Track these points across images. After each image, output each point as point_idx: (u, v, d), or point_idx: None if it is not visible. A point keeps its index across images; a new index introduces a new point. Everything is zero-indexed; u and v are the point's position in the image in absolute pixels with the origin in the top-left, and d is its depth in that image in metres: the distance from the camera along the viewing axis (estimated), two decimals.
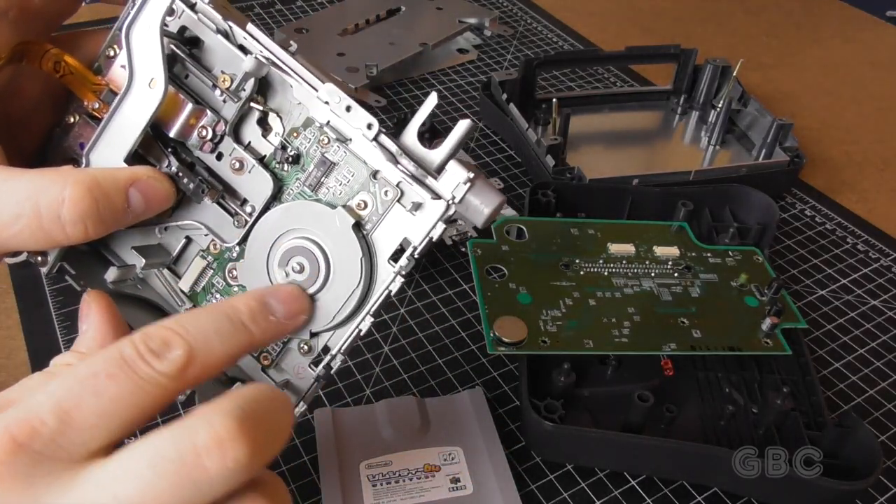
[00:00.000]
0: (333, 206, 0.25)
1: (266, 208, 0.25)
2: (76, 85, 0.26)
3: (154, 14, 0.24)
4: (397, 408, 0.39)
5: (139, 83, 0.24)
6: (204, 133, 0.25)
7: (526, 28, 0.79)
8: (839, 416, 0.38)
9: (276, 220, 0.25)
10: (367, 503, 0.35)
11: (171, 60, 0.25)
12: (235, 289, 0.27)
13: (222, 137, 0.25)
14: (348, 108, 0.24)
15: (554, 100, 0.57)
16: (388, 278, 0.25)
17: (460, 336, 0.45)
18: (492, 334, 0.38)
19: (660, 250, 0.46)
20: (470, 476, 0.37)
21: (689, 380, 0.41)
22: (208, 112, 0.25)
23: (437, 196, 0.24)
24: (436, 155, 0.24)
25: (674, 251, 0.46)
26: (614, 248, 0.46)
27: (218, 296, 0.27)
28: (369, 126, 0.24)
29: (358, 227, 0.24)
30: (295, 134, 0.25)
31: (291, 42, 0.26)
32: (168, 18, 0.25)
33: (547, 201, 0.49)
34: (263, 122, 0.26)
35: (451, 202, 0.23)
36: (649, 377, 0.41)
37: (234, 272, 0.27)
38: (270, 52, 0.25)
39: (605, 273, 0.44)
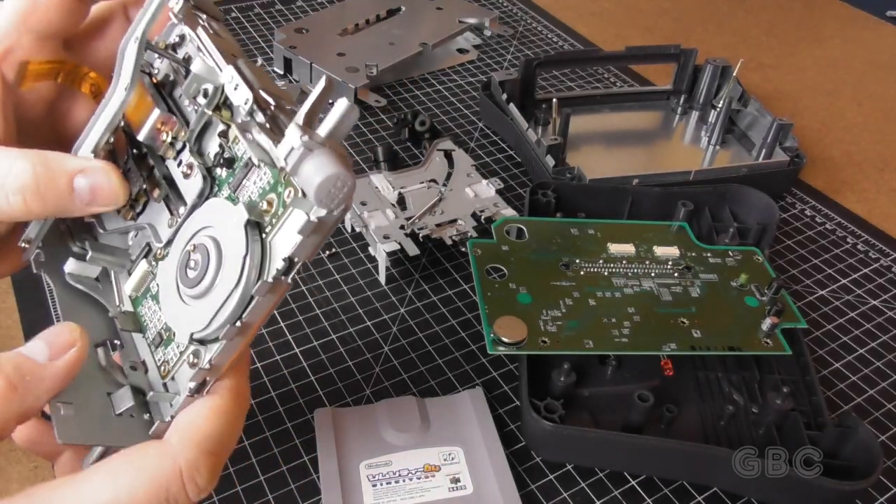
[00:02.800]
0: (236, 202, 0.24)
1: (193, 209, 0.26)
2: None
3: (139, 27, 0.25)
4: (397, 408, 0.39)
5: (120, 87, 0.26)
6: (164, 137, 0.26)
7: (526, 28, 0.79)
8: (839, 416, 0.38)
9: (194, 219, 0.25)
10: (367, 503, 0.35)
11: (170, 84, 0.27)
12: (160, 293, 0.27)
13: (184, 145, 0.26)
14: (236, 87, 0.24)
15: (554, 100, 0.57)
16: (264, 286, 0.22)
17: (460, 336, 0.45)
18: (492, 334, 0.38)
19: (660, 250, 0.46)
20: (470, 476, 0.37)
21: (689, 380, 0.41)
22: (175, 120, 0.26)
23: (271, 163, 0.22)
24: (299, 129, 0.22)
25: (674, 251, 0.46)
26: (614, 248, 0.46)
27: (150, 301, 0.27)
28: (245, 101, 0.23)
29: (256, 226, 0.23)
30: (237, 140, 0.25)
31: (260, 60, 0.26)
32: (178, 49, 0.27)
33: (547, 201, 0.49)
34: (224, 134, 0.26)
35: (283, 166, 0.21)
36: (649, 377, 0.41)
37: (156, 272, 0.27)
38: (200, 41, 0.25)
39: (605, 273, 0.44)
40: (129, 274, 0.28)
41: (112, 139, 0.27)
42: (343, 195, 0.21)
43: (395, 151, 0.58)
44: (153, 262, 0.27)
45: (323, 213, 0.21)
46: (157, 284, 0.26)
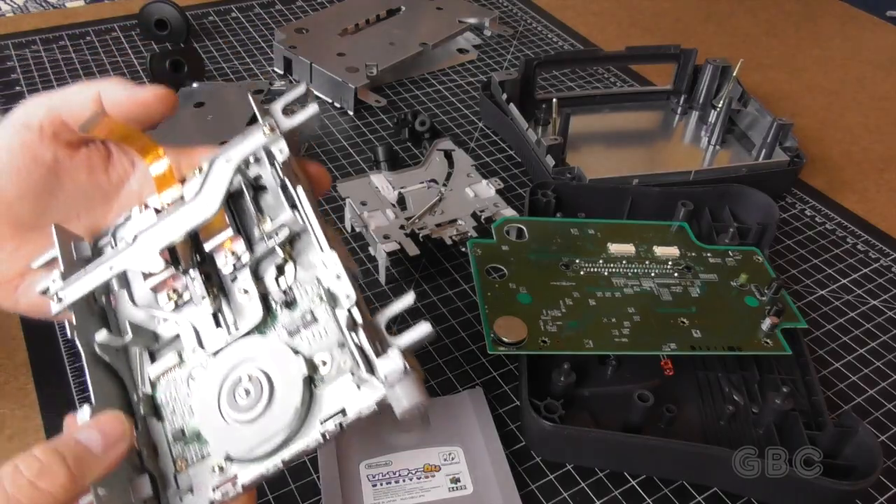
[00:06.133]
0: (297, 353, 0.27)
1: (247, 334, 0.28)
2: (162, 184, 0.30)
3: (238, 155, 0.28)
4: None
5: (202, 199, 0.28)
6: (229, 256, 0.29)
7: (526, 28, 0.79)
8: (839, 416, 0.38)
9: (248, 346, 0.28)
10: (367, 503, 0.35)
11: (237, 195, 0.30)
12: (187, 389, 0.28)
13: (243, 267, 0.29)
14: (338, 276, 0.26)
15: (554, 100, 0.57)
16: (311, 437, 0.26)
17: (460, 336, 0.45)
18: (492, 334, 0.38)
19: (660, 250, 0.46)
20: (470, 476, 0.37)
21: (689, 380, 0.41)
22: (242, 241, 0.29)
23: (371, 371, 0.25)
24: (392, 340, 0.26)
25: (674, 251, 0.46)
26: (614, 248, 0.46)
27: (172, 392, 0.28)
28: (347, 297, 0.26)
29: (310, 380, 0.26)
30: (299, 285, 0.29)
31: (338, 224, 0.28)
32: (251, 166, 0.30)
33: (547, 201, 0.49)
34: (281, 268, 0.29)
35: (382, 382, 0.25)
36: (649, 377, 0.41)
37: (195, 375, 0.28)
38: (305, 212, 0.28)
39: (605, 273, 0.44)
40: (151, 354, 0.30)
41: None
42: (418, 412, 0.25)
43: (395, 151, 0.58)
44: (183, 356, 0.29)
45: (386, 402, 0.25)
46: (192, 389, 0.28)
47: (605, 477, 0.38)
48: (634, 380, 0.41)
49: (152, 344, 0.30)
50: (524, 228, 0.46)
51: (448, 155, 0.55)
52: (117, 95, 0.30)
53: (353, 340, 0.25)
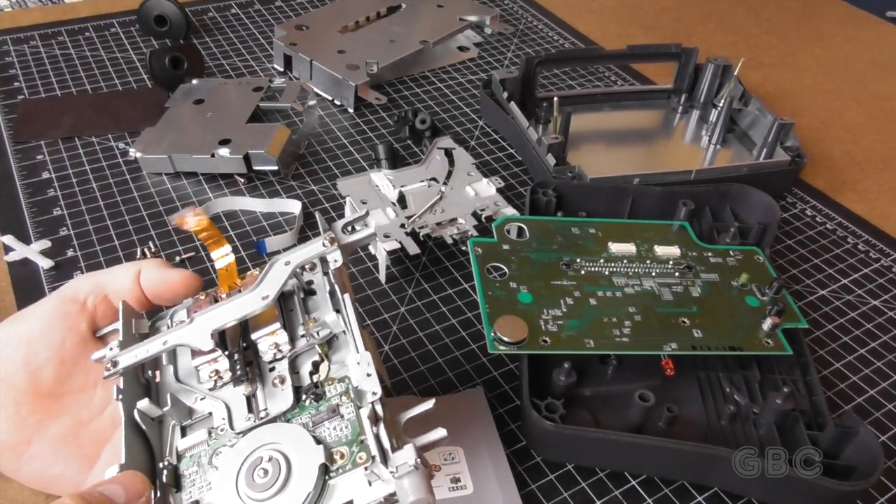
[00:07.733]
0: (319, 443, 0.28)
1: (273, 420, 0.30)
2: (223, 278, 0.34)
3: (296, 259, 0.32)
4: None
5: (257, 293, 0.31)
6: (271, 347, 0.32)
7: (527, 26, 0.79)
8: (840, 417, 0.38)
9: (272, 431, 0.30)
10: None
11: (288, 294, 0.33)
12: (209, 465, 0.29)
13: (282, 358, 0.32)
14: (368, 375, 0.29)
15: (555, 98, 0.57)
16: None
17: (460, 335, 0.45)
18: (492, 333, 0.38)
19: (661, 250, 0.46)
20: (470, 476, 0.37)
21: (690, 379, 0.41)
22: (286, 335, 0.32)
23: (384, 462, 0.26)
24: (409, 438, 0.28)
25: (675, 251, 0.46)
26: (615, 247, 0.46)
27: (195, 467, 0.30)
28: (373, 393, 0.28)
29: (325, 469, 0.28)
30: (330, 382, 0.31)
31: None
32: (306, 273, 0.34)
33: (547, 200, 0.49)
34: (316, 365, 0.31)
35: (393, 472, 0.26)
36: (650, 377, 0.41)
37: (220, 453, 0.30)
38: (348, 316, 0.31)
39: (606, 272, 0.44)
40: (182, 428, 0.31)
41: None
42: None
43: (396, 149, 0.58)
44: (211, 434, 0.30)
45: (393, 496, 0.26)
46: (216, 464, 0.29)
47: (606, 477, 0.38)
48: (635, 379, 0.41)
49: (186, 419, 0.31)
50: (525, 227, 0.46)
51: (448, 153, 0.55)
52: (152, 275, 0.34)
53: (373, 431, 0.27)
